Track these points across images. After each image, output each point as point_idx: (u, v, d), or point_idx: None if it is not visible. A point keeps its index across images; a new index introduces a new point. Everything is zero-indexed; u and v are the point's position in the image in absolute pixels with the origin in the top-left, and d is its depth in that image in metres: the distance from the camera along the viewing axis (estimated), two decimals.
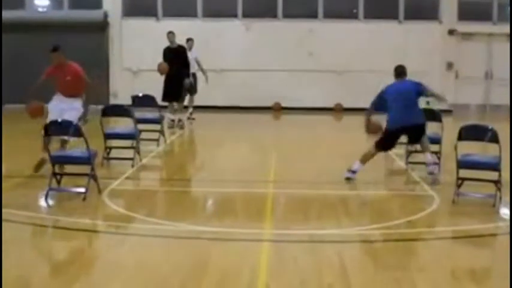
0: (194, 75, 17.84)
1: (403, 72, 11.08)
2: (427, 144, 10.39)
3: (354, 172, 10.32)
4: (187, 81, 17.03)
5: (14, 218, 7.55)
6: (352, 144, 14.59)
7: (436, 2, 22.95)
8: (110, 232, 7.66)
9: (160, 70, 15.89)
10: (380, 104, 10.93)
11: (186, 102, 17.76)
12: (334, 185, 10.41)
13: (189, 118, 17.73)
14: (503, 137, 8.81)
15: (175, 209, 8.67)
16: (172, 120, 16.13)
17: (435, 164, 10.47)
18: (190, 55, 17.53)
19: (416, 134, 10.47)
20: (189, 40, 18.00)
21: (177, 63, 16.10)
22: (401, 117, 10.39)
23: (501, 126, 10.13)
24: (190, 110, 18.07)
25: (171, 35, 16.61)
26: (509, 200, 8.65)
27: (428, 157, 10.30)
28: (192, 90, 17.77)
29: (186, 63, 16.50)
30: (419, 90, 10.66)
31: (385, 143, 10.57)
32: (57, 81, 9.91)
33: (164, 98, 15.86)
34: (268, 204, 8.83)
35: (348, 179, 10.24)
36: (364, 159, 10.41)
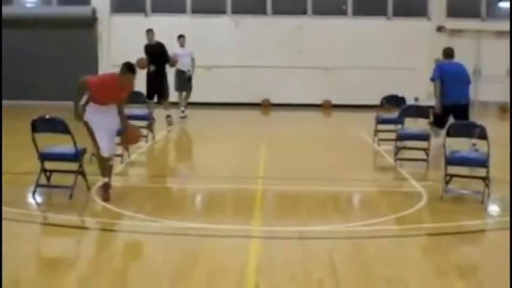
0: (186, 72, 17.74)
1: (453, 53, 12.78)
2: None
3: None
4: (188, 73, 17.46)
5: (2, 215, 7.52)
6: (340, 141, 14.65)
7: None
8: (98, 229, 7.64)
9: (139, 65, 15.87)
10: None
11: (177, 99, 17.72)
12: (323, 181, 10.42)
13: (181, 117, 17.62)
14: (491, 133, 8.83)
15: (164, 206, 8.65)
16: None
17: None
18: (183, 52, 17.50)
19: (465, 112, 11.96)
20: (180, 37, 17.87)
21: (157, 61, 16.08)
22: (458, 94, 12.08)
23: (489, 123, 10.17)
24: (183, 108, 17.87)
25: (150, 32, 16.67)
26: (497, 196, 8.70)
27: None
28: (188, 86, 17.77)
29: (165, 60, 16.53)
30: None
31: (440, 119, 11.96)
32: (106, 94, 8.46)
33: (148, 97, 15.69)
34: (258, 201, 8.83)
35: None
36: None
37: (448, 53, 12.79)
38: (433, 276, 5.97)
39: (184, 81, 17.75)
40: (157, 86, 16.19)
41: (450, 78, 12.15)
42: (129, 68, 8.63)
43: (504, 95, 22.30)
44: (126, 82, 8.61)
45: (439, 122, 11.88)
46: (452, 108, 11.98)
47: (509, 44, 21.32)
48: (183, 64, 17.55)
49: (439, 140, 11.15)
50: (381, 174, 11.53)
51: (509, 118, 18.42)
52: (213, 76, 22.00)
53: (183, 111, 17.81)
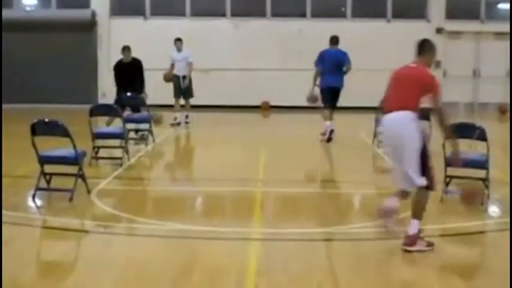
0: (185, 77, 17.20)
1: (336, 41, 14.86)
2: None
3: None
4: (186, 81, 16.92)
5: (2, 218, 7.52)
6: (340, 143, 14.63)
7: (423, 1, 23.04)
8: (98, 232, 7.65)
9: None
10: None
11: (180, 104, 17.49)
12: (323, 183, 10.44)
13: (186, 122, 17.37)
14: (491, 135, 8.83)
15: (164, 209, 8.66)
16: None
17: None
18: (180, 56, 17.08)
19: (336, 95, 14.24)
20: (177, 40, 17.30)
21: (130, 78, 14.63)
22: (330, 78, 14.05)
23: (489, 124, 10.17)
24: (186, 113, 17.47)
25: (126, 50, 15.35)
26: (497, 198, 8.71)
27: None
28: (187, 93, 17.30)
29: (141, 78, 14.82)
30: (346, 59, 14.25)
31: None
32: None
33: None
34: (257, 203, 8.83)
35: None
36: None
37: (333, 40, 14.86)
38: (433, 277, 5.97)
39: (181, 88, 17.13)
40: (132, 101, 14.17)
41: (326, 64, 14.22)
42: None
43: (503, 96, 22.35)
44: None
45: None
46: (326, 91, 14.19)
47: (508, 45, 21.38)
48: (179, 69, 17.09)
49: (329, 125, 13.94)
50: (380, 176, 11.51)
51: (509, 119, 18.44)
52: (213, 79, 22.01)
53: (186, 117, 17.43)
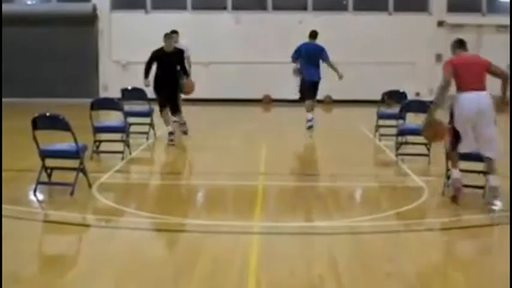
0: None
1: (314, 35, 15.33)
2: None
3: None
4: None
5: (3, 212, 7.52)
6: (342, 136, 14.64)
7: None
8: (100, 226, 7.66)
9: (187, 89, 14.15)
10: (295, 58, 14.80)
11: None
12: (324, 177, 10.43)
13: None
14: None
15: (166, 202, 8.66)
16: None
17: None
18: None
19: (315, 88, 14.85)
20: (173, 33, 15.03)
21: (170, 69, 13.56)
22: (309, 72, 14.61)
23: None
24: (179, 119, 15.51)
25: (168, 37, 14.01)
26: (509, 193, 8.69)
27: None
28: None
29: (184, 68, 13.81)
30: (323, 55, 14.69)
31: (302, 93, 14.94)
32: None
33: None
34: (259, 197, 8.83)
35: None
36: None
37: (311, 34, 15.37)
38: (434, 271, 5.97)
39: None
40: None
41: (304, 58, 14.67)
42: None
43: None
44: None
45: (302, 96, 14.89)
46: (308, 84, 14.69)
47: (509, 38, 21.32)
48: None
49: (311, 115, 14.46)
50: (382, 170, 11.52)
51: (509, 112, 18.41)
52: (214, 72, 21.99)
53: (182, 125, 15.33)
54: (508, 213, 7.75)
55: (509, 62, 22.02)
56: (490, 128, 8.36)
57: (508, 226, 7.25)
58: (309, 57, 14.71)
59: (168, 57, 13.39)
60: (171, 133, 13.08)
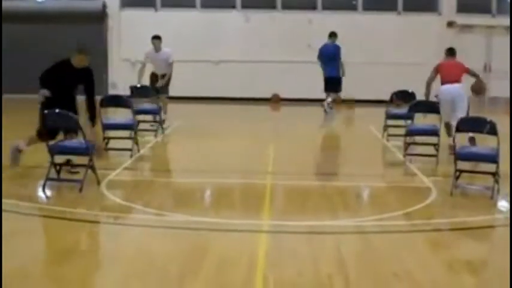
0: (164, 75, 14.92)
1: (333, 36, 17.90)
2: None
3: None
4: (164, 80, 14.73)
5: (12, 208, 7.55)
6: (350, 136, 14.63)
7: None
8: (108, 223, 7.67)
9: None
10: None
11: None
12: (333, 176, 10.43)
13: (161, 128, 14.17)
14: (501, 129, 8.81)
15: (174, 200, 8.68)
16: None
17: None
18: (158, 56, 14.85)
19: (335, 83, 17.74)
20: (154, 38, 14.94)
21: None
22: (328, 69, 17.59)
23: (499, 119, 10.14)
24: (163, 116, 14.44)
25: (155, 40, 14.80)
26: (507, 192, 8.68)
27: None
28: (163, 90, 14.81)
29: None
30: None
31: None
32: None
33: None
34: (267, 195, 8.83)
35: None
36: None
37: (329, 35, 17.98)
38: (441, 271, 5.96)
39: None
40: None
41: (323, 57, 17.75)
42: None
43: None
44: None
45: (325, 89, 17.90)
46: (328, 80, 17.72)
47: (509, 38, 21.30)
48: (157, 68, 15.04)
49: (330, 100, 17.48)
50: (390, 170, 11.51)
51: None
52: (223, 71, 22.02)
53: (161, 123, 14.13)
54: None
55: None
56: (461, 111, 11.49)
57: None
58: (326, 56, 17.66)
59: None
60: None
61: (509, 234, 6.91)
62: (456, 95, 11.80)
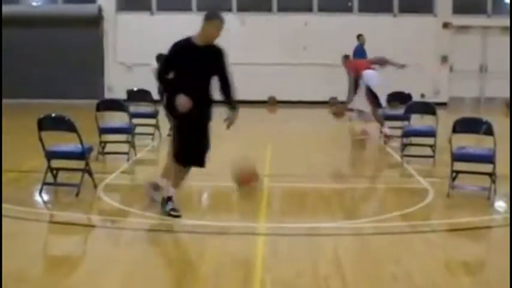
0: None
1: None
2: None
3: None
4: None
5: (9, 212, 7.54)
6: (346, 137, 14.64)
7: None
8: (105, 226, 7.66)
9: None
10: None
11: None
12: (330, 178, 10.43)
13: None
14: (498, 129, 8.82)
15: None
16: None
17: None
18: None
19: None
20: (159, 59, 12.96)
21: None
22: None
23: (496, 119, 10.15)
24: None
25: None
26: (504, 192, 8.69)
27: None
28: None
29: None
30: None
31: None
32: None
33: None
34: (264, 198, 8.83)
35: None
36: None
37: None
38: (439, 272, 5.96)
39: None
40: None
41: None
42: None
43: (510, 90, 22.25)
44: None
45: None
46: None
47: (509, 38, 21.33)
48: None
49: None
50: (387, 171, 11.52)
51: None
52: None
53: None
54: None
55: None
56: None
57: None
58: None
59: None
60: None
61: (510, 234, 6.91)
62: (378, 79, 13.84)
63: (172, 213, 7.42)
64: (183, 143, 7.52)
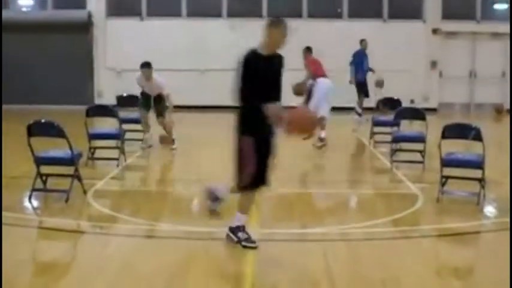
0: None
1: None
2: None
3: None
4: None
5: None
6: (337, 143, 14.63)
7: (420, 1, 23.05)
8: (94, 232, 7.64)
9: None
10: None
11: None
12: (320, 183, 10.44)
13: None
14: (487, 135, 8.85)
15: (160, 209, 8.65)
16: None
17: None
18: (148, 86, 13.00)
19: None
20: (143, 67, 12.87)
21: None
22: None
23: (485, 125, 10.19)
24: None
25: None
26: (493, 197, 8.73)
27: None
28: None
29: None
30: None
31: None
32: None
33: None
34: (254, 204, 8.80)
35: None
36: None
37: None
38: (429, 278, 5.97)
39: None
40: None
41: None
42: None
43: (499, 96, 22.38)
44: None
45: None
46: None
47: (504, 45, 21.42)
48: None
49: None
50: (376, 176, 11.53)
51: (503, 119, 18.47)
52: (209, 79, 22.00)
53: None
54: (502, 220, 7.78)
55: (503, 69, 22.21)
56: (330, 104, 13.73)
57: (503, 232, 7.27)
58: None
59: None
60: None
61: (509, 237, 6.93)
62: (331, 89, 13.61)
63: (247, 244, 6.65)
64: (259, 163, 7.00)
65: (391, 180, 10.80)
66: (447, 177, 8.83)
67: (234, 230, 6.79)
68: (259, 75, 6.88)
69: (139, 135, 13.33)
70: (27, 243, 7.08)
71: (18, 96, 21.81)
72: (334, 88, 13.69)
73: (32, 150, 8.60)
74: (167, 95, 12.81)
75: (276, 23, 7.25)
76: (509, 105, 20.67)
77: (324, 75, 13.70)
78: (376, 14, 22.85)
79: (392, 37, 22.16)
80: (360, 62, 18.24)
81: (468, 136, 8.86)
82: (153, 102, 13.12)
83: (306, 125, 7.09)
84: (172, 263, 6.21)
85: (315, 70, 13.75)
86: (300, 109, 7.15)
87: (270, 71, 7.02)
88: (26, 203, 8.49)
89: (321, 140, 13.28)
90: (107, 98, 19.17)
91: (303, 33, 22.20)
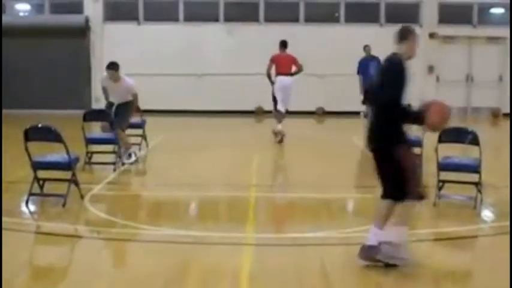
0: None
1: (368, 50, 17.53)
2: None
3: None
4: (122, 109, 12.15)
5: None
6: (333, 147, 14.66)
7: (416, 6, 23.09)
8: (91, 237, 7.64)
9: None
10: None
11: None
12: (316, 187, 10.43)
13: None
14: (484, 139, 8.86)
15: (157, 214, 8.65)
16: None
17: None
18: (115, 87, 12.32)
19: None
20: (109, 68, 12.38)
21: None
22: None
23: (482, 129, 10.20)
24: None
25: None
26: (490, 202, 8.74)
27: None
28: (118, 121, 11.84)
29: None
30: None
31: None
32: None
33: None
34: (251, 208, 8.83)
35: None
36: None
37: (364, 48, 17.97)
38: (426, 282, 5.97)
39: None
40: None
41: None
42: None
43: (496, 100, 22.42)
44: None
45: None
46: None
47: (501, 49, 21.47)
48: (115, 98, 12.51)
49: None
50: (373, 181, 11.49)
51: (500, 123, 18.50)
52: (206, 84, 22.02)
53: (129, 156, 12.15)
54: (499, 224, 7.79)
55: (500, 73, 22.26)
56: (289, 100, 15.15)
57: (499, 237, 7.28)
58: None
59: None
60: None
61: (510, 241, 6.93)
62: (289, 87, 14.95)
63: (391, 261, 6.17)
64: (413, 172, 6.57)
65: None
66: (444, 181, 8.84)
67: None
68: (407, 82, 6.65)
69: (137, 140, 13.34)
70: (25, 248, 7.07)
71: (16, 100, 21.80)
72: (290, 87, 15.14)
73: (29, 155, 8.59)
74: (135, 95, 12.24)
75: (413, 32, 7.18)
76: (510, 109, 20.70)
77: (283, 73, 15.00)
78: (373, 19, 22.88)
79: (390, 41, 22.07)
80: (365, 68, 18.03)
81: (465, 140, 8.87)
82: (114, 110, 12.07)
83: (448, 117, 6.61)
84: (169, 268, 6.21)
85: (277, 67, 15.11)
86: (439, 101, 6.83)
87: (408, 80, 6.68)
88: (23, 208, 8.49)
89: (278, 133, 14.99)
90: (104, 103, 19.14)
91: (301, 37, 22.31)
